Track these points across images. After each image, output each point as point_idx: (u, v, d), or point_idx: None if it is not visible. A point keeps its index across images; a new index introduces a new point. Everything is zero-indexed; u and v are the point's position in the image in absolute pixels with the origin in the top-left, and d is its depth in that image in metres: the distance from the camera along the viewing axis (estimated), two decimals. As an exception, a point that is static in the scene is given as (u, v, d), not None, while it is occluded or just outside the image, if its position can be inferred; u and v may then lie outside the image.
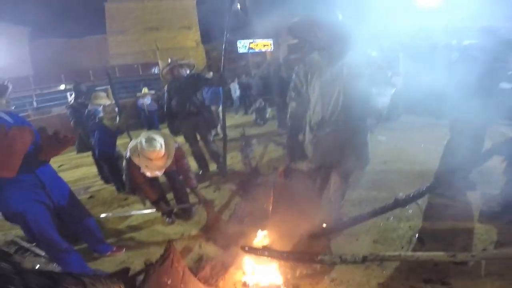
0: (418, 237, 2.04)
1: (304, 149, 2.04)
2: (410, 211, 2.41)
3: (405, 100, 4.61)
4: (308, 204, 2.07)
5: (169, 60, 3.62)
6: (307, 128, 1.96)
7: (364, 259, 1.44)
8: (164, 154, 2.39)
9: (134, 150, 2.42)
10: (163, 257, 1.41)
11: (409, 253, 1.42)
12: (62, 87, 9.30)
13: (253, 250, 1.75)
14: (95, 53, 16.41)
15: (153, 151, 2.30)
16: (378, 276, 1.76)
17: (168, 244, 1.51)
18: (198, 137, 3.77)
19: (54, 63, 10.65)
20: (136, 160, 2.40)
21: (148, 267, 1.30)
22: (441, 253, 1.31)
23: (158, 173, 2.47)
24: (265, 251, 1.71)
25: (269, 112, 7.58)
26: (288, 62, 7.42)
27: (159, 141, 2.36)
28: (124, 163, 2.67)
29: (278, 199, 2.30)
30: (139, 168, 2.42)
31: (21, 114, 2.88)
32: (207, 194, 3.34)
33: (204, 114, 3.57)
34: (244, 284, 1.99)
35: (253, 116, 7.39)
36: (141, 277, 1.30)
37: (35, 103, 7.89)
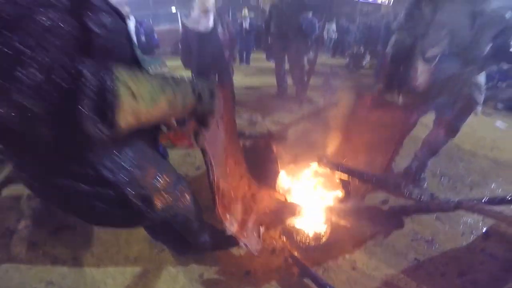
0: (486, 230, 1.69)
1: (408, 79, 1.75)
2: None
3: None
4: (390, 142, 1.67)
5: None
6: (419, 59, 1.69)
7: (458, 206, 1.24)
8: None
9: None
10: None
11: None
12: (173, 10, 10.75)
13: (331, 163, 1.58)
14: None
15: None
16: (421, 253, 1.55)
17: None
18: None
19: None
20: None
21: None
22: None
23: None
24: (346, 168, 1.53)
25: (368, 60, 6.34)
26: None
27: None
28: None
29: (351, 128, 1.96)
30: None
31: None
32: (279, 117, 3.12)
33: (298, 38, 3.46)
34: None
35: (346, 60, 6.34)
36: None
37: (151, 21, 9.14)
